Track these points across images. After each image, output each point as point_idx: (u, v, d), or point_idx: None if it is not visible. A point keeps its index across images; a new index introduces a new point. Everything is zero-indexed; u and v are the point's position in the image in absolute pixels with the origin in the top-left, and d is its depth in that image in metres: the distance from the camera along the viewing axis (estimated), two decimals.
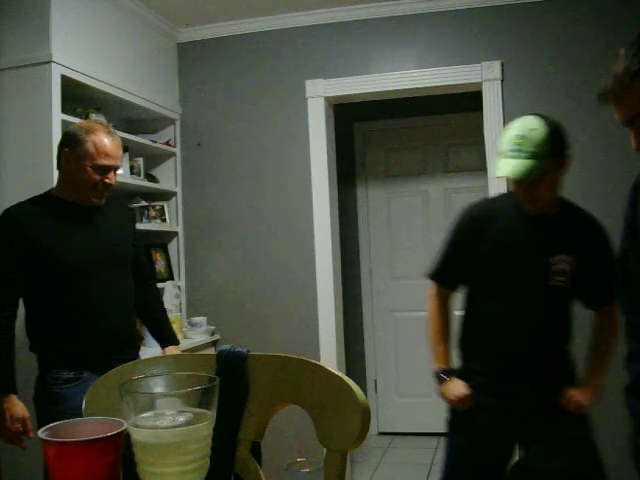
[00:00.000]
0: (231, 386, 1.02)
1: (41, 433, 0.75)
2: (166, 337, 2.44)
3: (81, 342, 2.08)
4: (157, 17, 3.50)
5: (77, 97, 2.98)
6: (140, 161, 3.47)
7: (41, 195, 2.17)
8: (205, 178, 3.70)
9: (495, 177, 3.34)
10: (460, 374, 2.04)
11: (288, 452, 3.11)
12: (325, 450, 0.97)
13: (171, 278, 3.65)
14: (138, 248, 2.41)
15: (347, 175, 4.61)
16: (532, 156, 1.82)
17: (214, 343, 3.55)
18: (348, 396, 0.97)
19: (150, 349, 2.81)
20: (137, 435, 0.71)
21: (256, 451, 1.06)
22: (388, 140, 4.66)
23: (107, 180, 2.12)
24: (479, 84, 3.36)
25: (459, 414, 2.06)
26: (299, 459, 0.86)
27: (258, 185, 3.59)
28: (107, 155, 2.09)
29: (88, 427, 0.78)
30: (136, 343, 2.31)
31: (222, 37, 3.69)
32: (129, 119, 3.53)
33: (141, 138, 3.39)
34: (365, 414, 0.96)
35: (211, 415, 0.73)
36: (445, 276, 2.10)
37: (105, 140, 2.10)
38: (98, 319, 2.11)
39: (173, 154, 3.70)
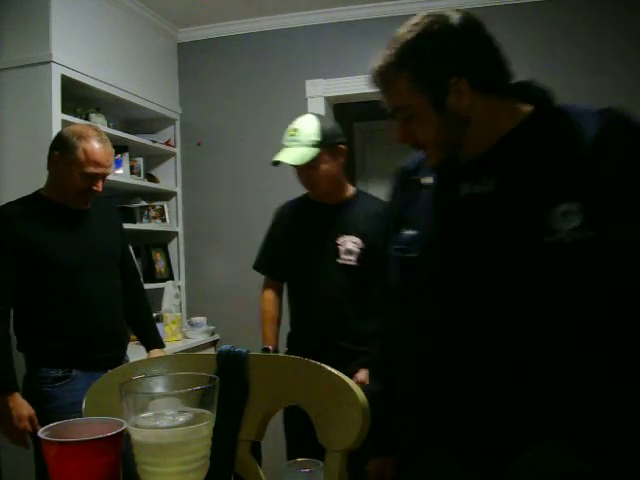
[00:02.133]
0: (231, 386, 1.02)
1: (41, 433, 0.75)
2: (151, 340, 2.44)
3: (71, 341, 2.08)
4: (157, 17, 3.50)
5: (77, 97, 2.99)
6: (140, 161, 3.48)
7: (31, 195, 2.16)
8: (205, 178, 3.70)
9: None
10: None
11: None
12: (325, 450, 0.97)
13: (171, 278, 3.65)
14: (124, 248, 2.42)
15: (347, 175, 4.60)
16: (303, 144, 2.13)
17: (214, 343, 3.55)
18: (348, 396, 0.97)
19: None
20: (137, 435, 0.71)
21: (256, 451, 1.06)
22: (388, 140, 4.65)
23: (94, 187, 2.11)
24: None
25: None
26: (299, 459, 0.86)
27: (258, 185, 3.59)
28: (97, 164, 2.07)
29: (88, 427, 0.78)
30: (124, 343, 2.31)
31: (222, 37, 3.69)
32: (129, 119, 3.53)
33: (141, 138, 3.39)
34: (365, 414, 0.96)
35: (211, 415, 0.73)
36: (272, 269, 2.38)
37: (96, 148, 2.08)
38: (88, 319, 2.11)
39: (173, 154, 3.70)
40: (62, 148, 2.08)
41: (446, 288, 1.10)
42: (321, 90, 3.54)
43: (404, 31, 1.15)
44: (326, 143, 2.17)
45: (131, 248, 3.53)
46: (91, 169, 2.06)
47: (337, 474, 0.95)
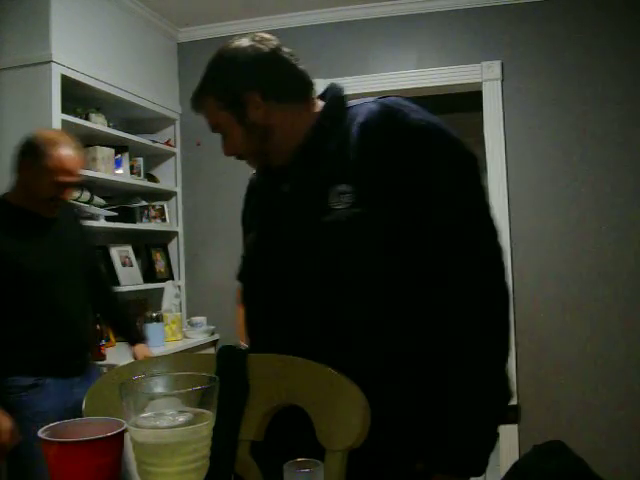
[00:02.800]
0: (231, 386, 1.02)
1: (41, 433, 0.75)
2: (133, 335, 2.45)
3: (46, 349, 2.05)
4: (157, 17, 3.50)
5: (77, 97, 2.99)
6: (140, 161, 3.47)
7: None
8: (205, 178, 3.70)
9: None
10: None
11: None
12: (325, 450, 0.97)
13: (171, 278, 3.65)
14: (92, 251, 2.42)
15: None
16: None
17: (214, 343, 3.55)
18: (348, 396, 0.97)
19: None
20: (137, 435, 0.71)
21: (256, 451, 1.06)
22: None
23: (64, 195, 2.08)
24: (479, 84, 3.36)
25: None
26: (299, 459, 0.86)
27: None
28: (68, 172, 2.03)
29: (88, 427, 0.78)
30: (92, 347, 2.32)
31: (222, 37, 3.69)
32: (129, 119, 3.53)
33: (141, 138, 3.39)
34: (365, 414, 0.96)
35: (211, 415, 0.73)
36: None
37: (68, 156, 2.03)
38: (63, 326, 2.09)
39: (173, 154, 3.70)
40: (32, 155, 2.01)
41: (268, 270, 1.24)
42: (321, 90, 3.53)
43: (211, 59, 1.29)
44: None
45: (122, 249, 3.52)
46: (63, 178, 2.02)
47: (337, 474, 0.95)
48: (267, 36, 1.29)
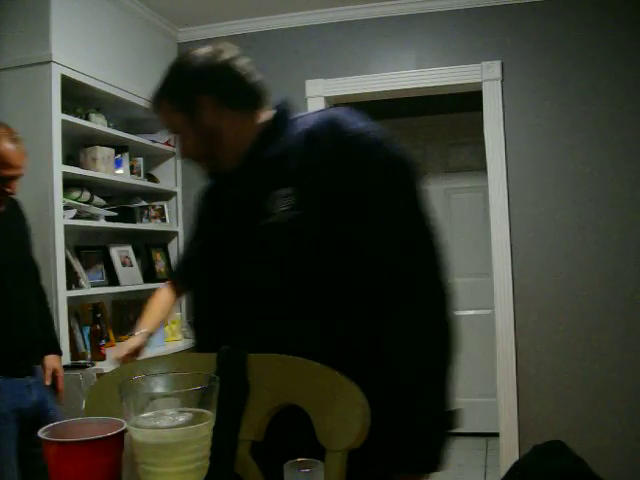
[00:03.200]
0: (231, 386, 1.02)
1: (41, 433, 0.75)
2: (49, 343, 2.28)
3: (1, 349, 2.00)
4: (157, 17, 3.50)
5: (77, 97, 2.99)
6: (140, 161, 3.47)
7: None
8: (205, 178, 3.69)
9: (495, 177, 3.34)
10: None
11: None
12: (325, 450, 0.97)
13: None
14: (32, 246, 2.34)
15: None
16: None
17: None
18: (348, 396, 0.97)
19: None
20: (137, 435, 0.71)
21: (256, 451, 1.05)
22: None
23: (8, 190, 2.02)
24: (479, 84, 3.36)
25: None
26: (299, 459, 0.86)
27: None
28: (10, 166, 1.97)
29: (88, 427, 0.78)
30: (40, 346, 2.23)
31: (222, 37, 3.69)
32: (129, 119, 3.53)
33: (141, 138, 3.39)
34: (365, 414, 0.96)
35: (211, 415, 0.73)
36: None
37: (9, 149, 1.97)
38: (17, 325, 2.05)
39: (173, 154, 3.70)
40: None
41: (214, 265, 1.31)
42: (321, 90, 3.54)
43: (170, 64, 1.34)
44: None
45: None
46: (5, 172, 1.97)
47: (337, 474, 0.95)
48: (228, 46, 1.36)
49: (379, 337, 1.15)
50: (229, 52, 1.34)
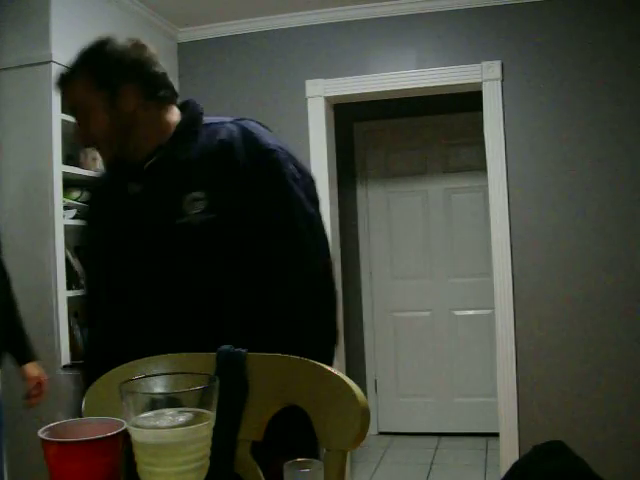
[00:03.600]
0: (230, 386, 1.02)
1: (41, 433, 0.75)
2: (23, 350, 2.18)
3: None
4: (157, 17, 3.50)
5: None
6: None
7: None
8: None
9: (495, 177, 3.34)
10: None
11: None
12: (325, 450, 0.97)
13: None
14: None
15: (347, 175, 4.61)
16: None
17: None
18: (348, 396, 0.97)
19: None
20: (137, 435, 0.71)
21: (256, 451, 1.06)
22: (388, 140, 4.66)
23: None
24: (479, 84, 3.36)
25: None
26: (299, 459, 0.86)
27: None
28: None
29: (88, 427, 0.78)
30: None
31: (222, 37, 3.69)
32: None
33: None
34: (365, 414, 0.96)
35: (211, 415, 0.73)
36: None
37: None
38: None
39: None
40: None
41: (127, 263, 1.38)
42: (321, 90, 3.54)
43: (91, 43, 1.36)
44: None
45: None
46: None
47: (337, 474, 0.95)
48: (145, 43, 1.45)
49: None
50: (151, 49, 1.44)
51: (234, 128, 1.38)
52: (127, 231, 1.38)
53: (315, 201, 1.40)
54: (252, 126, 1.42)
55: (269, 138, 1.41)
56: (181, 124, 1.41)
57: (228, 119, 1.43)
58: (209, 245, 1.31)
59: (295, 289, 1.33)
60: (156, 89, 1.39)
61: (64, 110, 2.74)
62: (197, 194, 1.31)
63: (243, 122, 1.42)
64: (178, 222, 1.30)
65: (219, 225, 1.30)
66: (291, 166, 1.39)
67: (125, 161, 1.39)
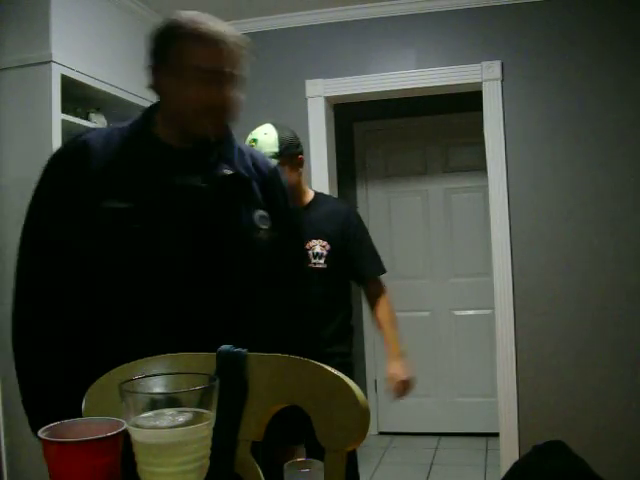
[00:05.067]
0: (230, 386, 1.02)
1: (41, 433, 0.75)
2: None
3: None
4: (157, 17, 3.50)
5: (77, 97, 2.98)
6: None
7: None
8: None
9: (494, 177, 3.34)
10: None
11: None
12: (325, 450, 0.97)
13: None
14: None
15: (347, 175, 4.61)
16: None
17: None
18: (348, 396, 0.97)
19: None
20: (137, 435, 0.71)
21: (256, 451, 1.06)
22: (388, 140, 4.66)
23: None
24: (479, 84, 3.36)
25: None
26: (299, 459, 0.86)
27: None
28: None
29: (88, 427, 0.78)
30: None
31: None
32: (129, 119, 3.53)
33: None
34: (365, 414, 0.96)
35: (211, 415, 0.73)
36: None
37: None
38: None
39: None
40: None
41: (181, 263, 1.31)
42: (321, 90, 3.54)
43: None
44: (286, 154, 2.21)
45: None
46: None
47: (337, 474, 0.95)
48: None
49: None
50: None
51: (250, 148, 1.57)
52: (174, 224, 1.30)
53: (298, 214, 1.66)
54: (252, 149, 1.58)
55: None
56: (232, 139, 1.44)
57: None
58: (264, 261, 1.40)
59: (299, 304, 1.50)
60: None
61: (64, 110, 2.75)
62: (262, 212, 1.39)
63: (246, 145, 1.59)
64: (254, 236, 1.37)
65: (276, 243, 1.40)
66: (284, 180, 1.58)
67: (173, 135, 1.37)
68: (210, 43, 1.29)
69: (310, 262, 2.21)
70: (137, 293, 1.28)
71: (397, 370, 2.39)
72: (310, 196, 2.39)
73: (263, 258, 1.39)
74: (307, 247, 2.22)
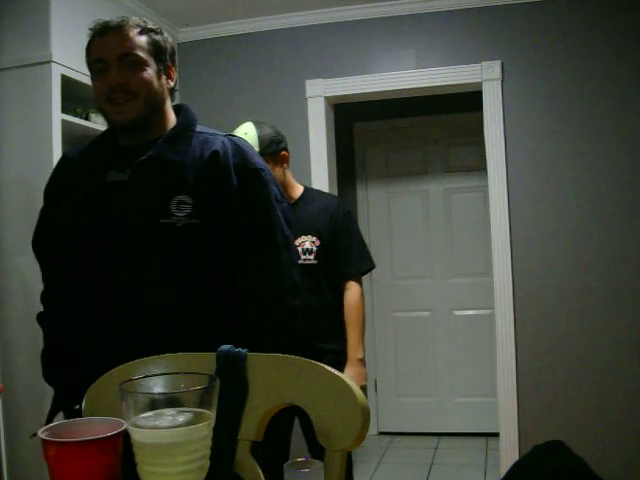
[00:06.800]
0: (230, 386, 1.02)
1: (41, 433, 0.75)
2: None
3: None
4: (157, 17, 3.50)
5: (77, 97, 2.98)
6: None
7: None
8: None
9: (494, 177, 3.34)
10: None
11: None
12: (325, 450, 0.97)
13: None
14: None
15: (347, 175, 4.61)
16: None
17: None
18: (348, 396, 0.97)
19: None
20: (137, 435, 0.71)
21: (256, 451, 1.06)
22: (388, 140, 4.66)
23: None
24: (479, 84, 3.36)
25: None
26: (299, 459, 0.86)
27: None
28: None
29: (88, 427, 0.78)
30: None
31: (222, 37, 3.69)
32: None
33: None
34: (365, 414, 0.96)
35: (211, 415, 0.73)
36: None
37: None
38: None
39: None
40: None
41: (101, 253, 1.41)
42: (321, 90, 3.54)
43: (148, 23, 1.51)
44: (267, 152, 2.20)
45: None
46: None
47: (337, 474, 0.95)
48: None
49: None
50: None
51: (227, 142, 1.46)
52: (101, 218, 1.41)
53: (290, 225, 1.52)
54: (243, 144, 1.49)
55: (258, 157, 1.50)
56: (178, 126, 1.46)
57: (220, 132, 1.50)
58: (187, 249, 1.37)
59: (265, 302, 1.44)
60: (175, 82, 1.51)
61: (64, 110, 2.74)
62: (184, 197, 1.37)
63: (235, 139, 1.49)
64: (162, 222, 1.35)
65: (201, 231, 1.37)
66: (275, 188, 1.49)
67: (127, 136, 1.45)
68: (99, 35, 1.53)
69: (300, 258, 2.19)
70: (81, 278, 1.44)
71: (349, 377, 2.36)
72: (299, 191, 2.38)
73: (179, 243, 1.37)
74: (296, 243, 2.20)
